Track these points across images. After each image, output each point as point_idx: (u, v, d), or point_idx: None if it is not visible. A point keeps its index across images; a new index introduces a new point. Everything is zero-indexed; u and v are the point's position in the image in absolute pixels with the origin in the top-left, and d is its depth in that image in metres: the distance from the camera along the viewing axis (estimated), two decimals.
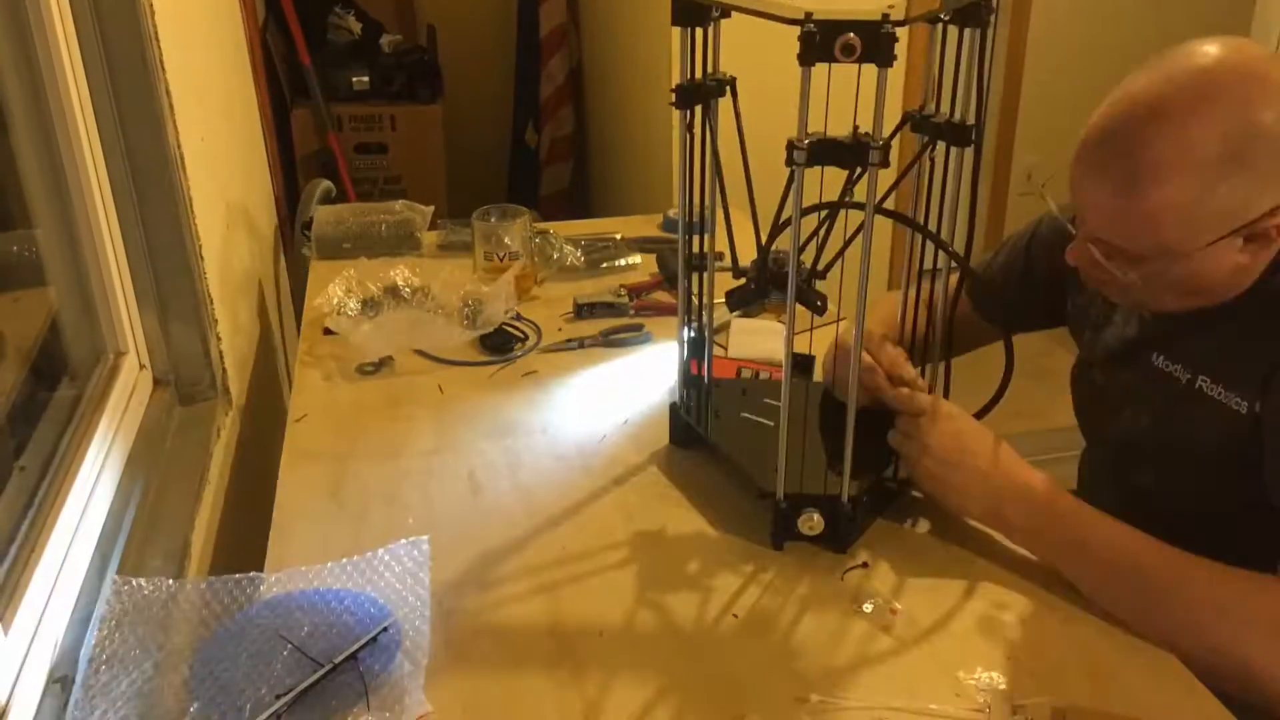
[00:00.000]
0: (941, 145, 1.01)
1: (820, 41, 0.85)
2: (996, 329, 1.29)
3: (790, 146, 0.92)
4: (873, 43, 0.85)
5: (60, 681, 0.88)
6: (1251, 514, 1.01)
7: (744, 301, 1.09)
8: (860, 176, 0.94)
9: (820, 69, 0.87)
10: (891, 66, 0.85)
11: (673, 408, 1.24)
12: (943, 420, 1.06)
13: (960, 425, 1.06)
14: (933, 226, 1.05)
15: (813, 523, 1.03)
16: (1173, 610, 0.93)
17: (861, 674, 0.90)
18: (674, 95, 1.06)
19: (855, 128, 0.93)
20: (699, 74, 1.05)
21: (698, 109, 1.07)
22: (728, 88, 1.10)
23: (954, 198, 1.02)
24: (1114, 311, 1.17)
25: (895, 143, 0.94)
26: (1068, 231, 1.06)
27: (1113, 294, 1.07)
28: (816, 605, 0.98)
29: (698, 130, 1.09)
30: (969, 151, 0.99)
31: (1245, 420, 0.99)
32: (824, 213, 1.01)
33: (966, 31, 0.95)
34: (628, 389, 1.37)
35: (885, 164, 0.91)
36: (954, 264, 1.05)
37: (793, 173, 0.93)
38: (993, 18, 0.95)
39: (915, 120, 1.04)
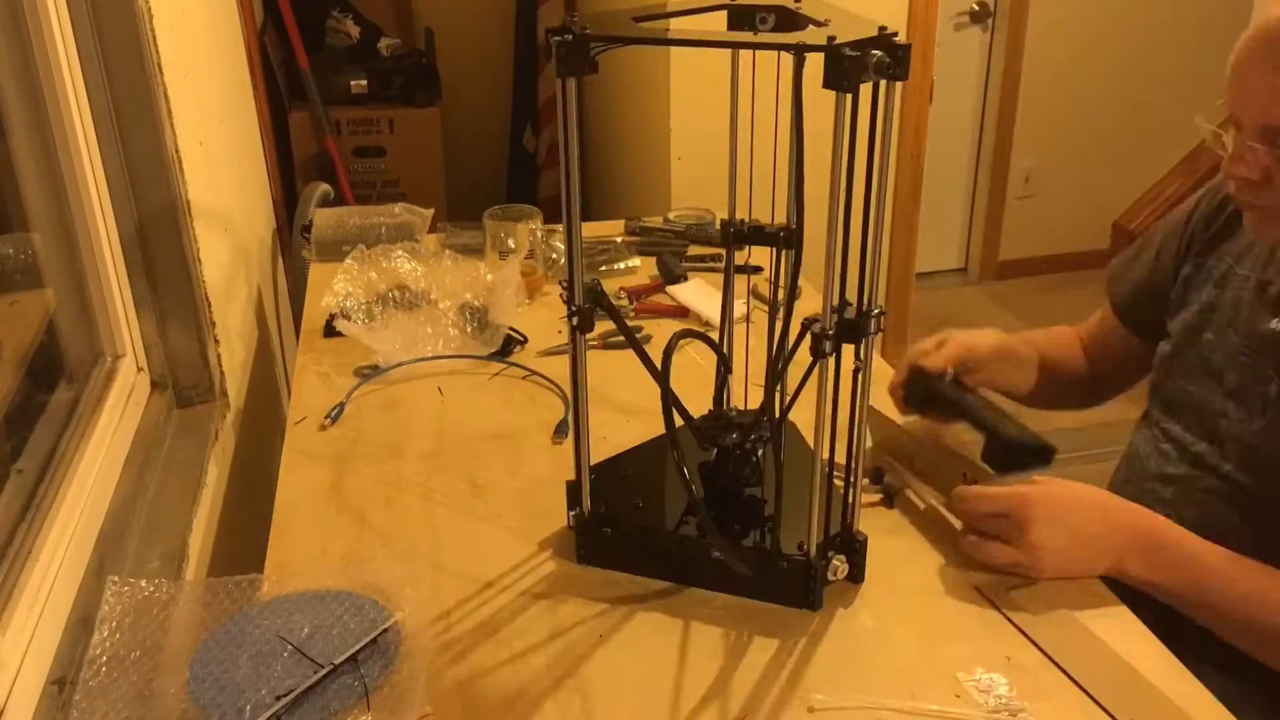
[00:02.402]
0: None
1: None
2: (1147, 347, 1.25)
3: None
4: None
5: (58, 683, 0.88)
6: None
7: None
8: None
9: None
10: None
11: None
12: (1036, 507, 0.98)
13: (1057, 500, 0.99)
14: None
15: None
16: None
17: (861, 674, 0.90)
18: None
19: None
20: None
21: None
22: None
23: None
24: (1243, 262, 1.14)
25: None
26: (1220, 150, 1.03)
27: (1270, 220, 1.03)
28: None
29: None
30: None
31: None
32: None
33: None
34: (627, 391, 1.37)
35: None
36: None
37: None
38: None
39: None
